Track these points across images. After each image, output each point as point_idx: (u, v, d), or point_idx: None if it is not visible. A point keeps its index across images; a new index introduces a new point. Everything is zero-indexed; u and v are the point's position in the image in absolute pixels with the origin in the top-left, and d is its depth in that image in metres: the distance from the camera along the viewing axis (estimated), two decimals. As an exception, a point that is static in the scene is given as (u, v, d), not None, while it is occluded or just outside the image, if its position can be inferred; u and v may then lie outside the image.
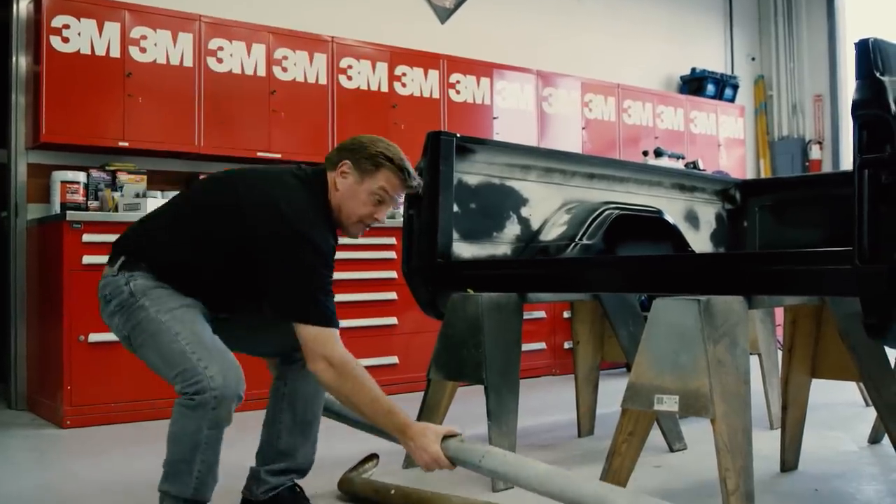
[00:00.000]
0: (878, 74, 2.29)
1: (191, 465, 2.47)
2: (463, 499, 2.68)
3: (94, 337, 4.52)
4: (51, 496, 3.18)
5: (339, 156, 2.68)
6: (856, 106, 2.33)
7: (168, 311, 2.48)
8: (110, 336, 4.44)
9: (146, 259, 2.55)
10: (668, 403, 2.53)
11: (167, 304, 2.49)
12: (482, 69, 6.85)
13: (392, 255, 5.42)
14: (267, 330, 2.72)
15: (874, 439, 3.87)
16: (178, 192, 2.72)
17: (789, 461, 3.39)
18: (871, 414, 3.92)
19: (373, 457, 3.08)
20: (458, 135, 3.62)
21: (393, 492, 2.80)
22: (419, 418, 3.50)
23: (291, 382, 2.75)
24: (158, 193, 5.27)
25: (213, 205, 2.63)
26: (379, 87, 6.23)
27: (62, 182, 5.09)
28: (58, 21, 4.97)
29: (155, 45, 5.29)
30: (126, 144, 5.19)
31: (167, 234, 2.62)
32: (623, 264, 3.29)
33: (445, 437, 2.44)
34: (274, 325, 2.64)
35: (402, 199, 2.72)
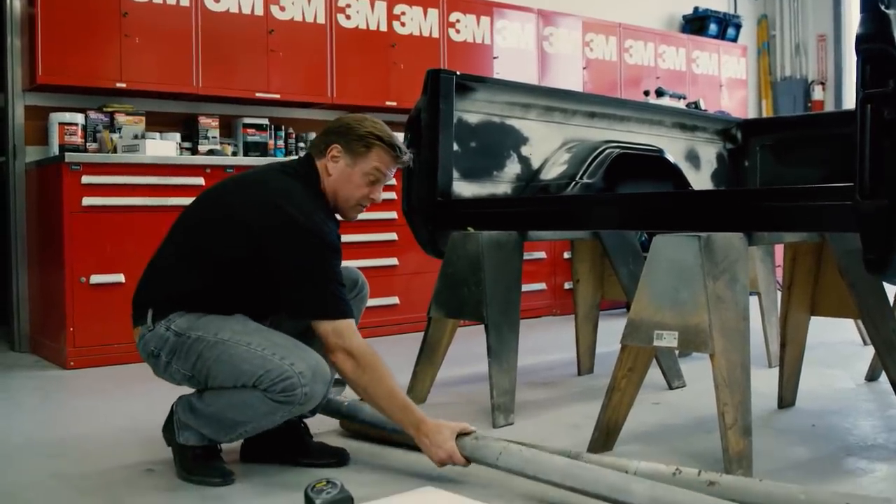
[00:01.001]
0: (882, 7, 2.25)
1: (239, 427, 2.50)
2: (463, 434, 2.70)
3: (95, 278, 4.54)
4: (55, 435, 3.21)
5: (326, 140, 2.64)
6: (859, 40, 2.30)
7: (226, 330, 2.46)
8: (112, 277, 4.54)
9: (172, 300, 2.52)
10: (668, 339, 2.54)
11: (220, 325, 2.47)
12: (482, 8, 6.77)
13: (392, 195, 5.40)
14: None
15: (871, 377, 3.90)
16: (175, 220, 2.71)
17: (787, 398, 3.42)
18: (869, 352, 3.95)
19: (374, 394, 3.09)
20: (458, 73, 3.59)
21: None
22: (420, 357, 3.53)
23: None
24: (157, 135, 5.25)
25: (210, 220, 2.60)
26: (378, 27, 6.15)
27: (60, 124, 5.06)
28: (51, -40, 4.90)
29: (151, -16, 5.22)
30: (123, 85, 5.14)
31: (178, 267, 2.58)
32: (623, 201, 3.28)
33: (460, 435, 2.45)
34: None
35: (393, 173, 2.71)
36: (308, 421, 2.82)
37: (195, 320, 2.49)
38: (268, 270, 2.48)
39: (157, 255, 2.65)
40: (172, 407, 2.61)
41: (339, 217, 2.71)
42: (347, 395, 3.00)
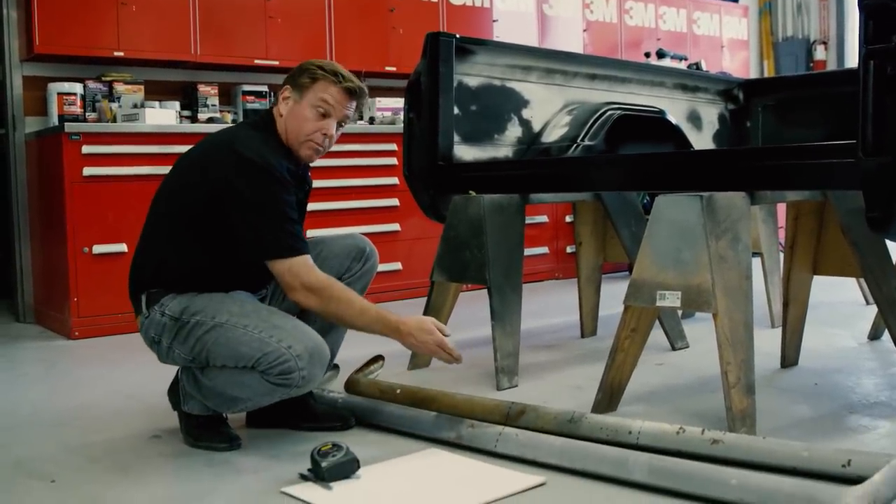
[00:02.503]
0: (885, -39, 2.24)
1: (240, 402, 2.50)
2: (466, 396, 2.72)
3: (98, 248, 4.54)
4: (61, 405, 3.22)
5: (280, 88, 2.65)
6: (862, -6, 2.28)
7: (222, 313, 2.44)
8: (114, 247, 4.54)
9: (161, 282, 2.51)
10: (671, 299, 2.55)
11: (215, 306, 2.46)
12: (481, -29, 6.72)
13: (394, 161, 5.39)
14: None
15: (874, 336, 3.91)
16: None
17: (790, 357, 3.43)
18: (871, 312, 3.95)
19: (378, 358, 3.11)
20: (458, 36, 3.57)
21: (398, 391, 2.84)
22: (423, 322, 3.53)
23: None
24: (156, 104, 5.23)
25: (176, 183, 2.59)
26: (377, -9, 6.12)
27: (59, 94, 5.04)
28: (45, -73, 4.85)
29: (146, -51, 5.17)
30: (121, 54, 5.11)
31: (157, 239, 2.57)
32: (625, 161, 3.28)
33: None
34: None
35: (352, 111, 2.65)
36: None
37: (188, 303, 2.48)
38: (231, 222, 2.46)
39: (140, 238, 2.64)
40: (177, 373, 2.62)
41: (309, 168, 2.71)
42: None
